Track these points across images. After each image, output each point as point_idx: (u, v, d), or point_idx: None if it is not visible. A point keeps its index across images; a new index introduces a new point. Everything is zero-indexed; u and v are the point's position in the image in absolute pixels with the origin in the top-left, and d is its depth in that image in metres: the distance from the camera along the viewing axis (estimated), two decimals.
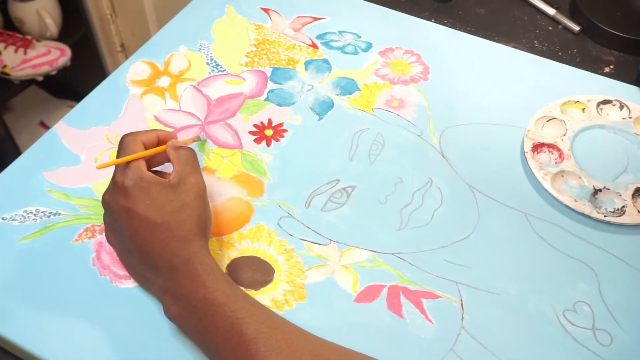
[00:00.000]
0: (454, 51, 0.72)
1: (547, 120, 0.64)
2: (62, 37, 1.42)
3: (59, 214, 0.54)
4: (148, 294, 0.49)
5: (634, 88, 0.68)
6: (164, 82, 0.67)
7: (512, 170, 0.60)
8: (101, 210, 0.51)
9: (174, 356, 0.46)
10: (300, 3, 0.77)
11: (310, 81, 0.67)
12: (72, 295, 0.49)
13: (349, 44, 0.72)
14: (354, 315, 0.49)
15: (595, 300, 0.50)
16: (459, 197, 0.57)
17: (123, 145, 0.48)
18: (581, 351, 0.47)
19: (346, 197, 0.57)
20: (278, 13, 0.76)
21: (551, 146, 0.61)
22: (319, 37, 0.73)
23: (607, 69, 0.73)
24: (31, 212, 0.54)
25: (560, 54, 0.75)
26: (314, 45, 0.72)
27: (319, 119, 0.64)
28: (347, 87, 0.67)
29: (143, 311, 0.48)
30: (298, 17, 0.75)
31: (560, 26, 0.79)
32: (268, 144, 0.61)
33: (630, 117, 0.64)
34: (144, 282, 0.48)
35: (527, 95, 0.67)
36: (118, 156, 0.48)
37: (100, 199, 0.50)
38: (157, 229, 0.45)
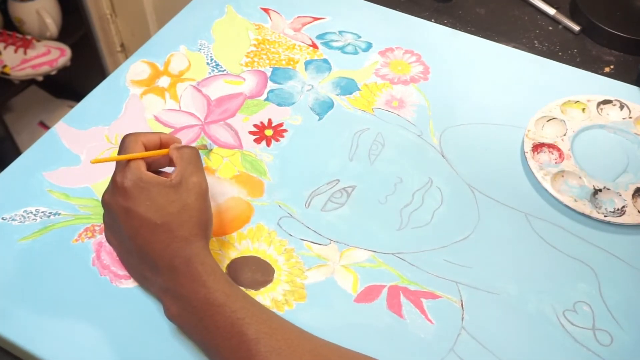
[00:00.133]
0: (454, 51, 0.72)
1: (547, 120, 0.64)
2: (62, 37, 1.42)
3: (59, 214, 0.54)
4: (148, 294, 0.49)
5: (634, 88, 0.68)
6: (164, 82, 0.67)
7: (512, 170, 0.60)
8: (101, 210, 0.51)
9: (174, 356, 0.46)
10: (300, 3, 0.77)
11: (310, 81, 0.67)
12: (72, 295, 0.49)
13: (349, 44, 0.72)
14: (354, 315, 0.49)
15: (596, 300, 0.50)
16: (459, 197, 0.57)
17: (124, 145, 0.48)
18: (581, 351, 0.47)
19: (346, 197, 0.57)
20: (278, 13, 0.76)
21: (551, 146, 0.61)
22: (319, 37, 0.73)
23: (607, 69, 0.73)
24: (31, 212, 0.54)
25: (560, 54, 0.75)
26: (314, 45, 0.72)
27: (319, 119, 0.64)
28: (347, 87, 0.67)
29: (143, 311, 0.48)
30: (298, 17, 0.75)
31: (560, 26, 0.79)
32: (268, 144, 0.61)
33: (630, 117, 0.64)
34: (144, 282, 0.48)
35: (527, 95, 0.67)
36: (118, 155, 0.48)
37: (100, 199, 0.50)
38: (158, 229, 0.44)
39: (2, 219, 0.54)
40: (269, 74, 0.68)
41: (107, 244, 0.51)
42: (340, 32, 0.74)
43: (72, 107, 0.68)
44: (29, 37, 1.36)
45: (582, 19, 0.77)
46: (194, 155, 0.49)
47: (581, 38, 0.77)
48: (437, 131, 0.63)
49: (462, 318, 0.49)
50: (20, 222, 0.54)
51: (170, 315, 0.44)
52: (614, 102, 0.65)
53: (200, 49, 0.70)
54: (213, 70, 0.68)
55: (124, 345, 0.46)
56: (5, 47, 1.33)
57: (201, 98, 0.65)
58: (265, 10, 0.76)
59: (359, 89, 0.67)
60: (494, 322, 0.49)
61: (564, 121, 0.63)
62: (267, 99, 0.65)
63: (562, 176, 0.59)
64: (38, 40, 1.37)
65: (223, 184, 0.57)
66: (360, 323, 0.48)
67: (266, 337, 0.41)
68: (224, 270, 0.51)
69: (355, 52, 0.71)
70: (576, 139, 0.63)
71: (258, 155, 0.60)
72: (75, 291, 0.49)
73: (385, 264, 0.52)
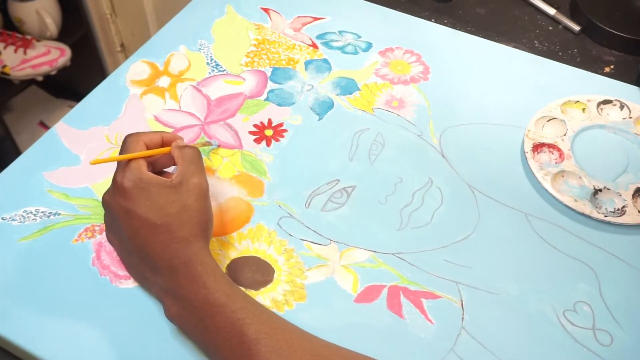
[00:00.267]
0: (454, 51, 0.72)
1: (548, 120, 0.64)
2: (62, 37, 1.42)
3: (59, 214, 0.54)
4: (148, 294, 0.49)
5: (634, 88, 0.68)
6: (163, 82, 0.67)
7: (512, 170, 0.60)
8: (101, 210, 0.51)
9: (174, 356, 0.46)
10: (300, 3, 0.77)
11: (310, 81, 0.67)
12: (72, 295, 0.49)
13: (349, 44, 0.72)
14: (354, 316, 0.49)
15: (596, 300, 0.50)
16: (459, 197, 0.57)
17: (125, 145, 0.48)
18: (581, 351, 0.47)
19: (346, 197, 0.57)
20: (278, 13, 0.76)
21: (551, 146, 0.61)
22: (319, 37, 0.73)
23: (607, 69, 0.73)
24: (31, 212, 0.54)
25: (560, 53, 0.75)
26: (314, 45, 0.72)
27: (319, 119, 0.64)
28: (347, 87, 0.67)
29: (143, 311, 0.48)
30: (298, 17, 0.75)
31: (560, 26, 0.79)
32: (268, 144, 0.61)
33: (630, 117, 0.64)
34: (144, 282, 0.48)
35: (527, 95, 0.67)
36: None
37: (100, 199, 0.50)
38: (158, 230, 0.44)
39: (2, 219, 0.54)
40: (269, 74, 0.68)
41: (107, 244, 0.51)
42: (340, 32, 0.74)
43: (72, 107, 0.68)
44: (28, 37, 1.36)
45: (582, 19, 0.77)
46: (196, 156, 0.49)
47: (581, 38, 0.77)
48: (437, 131, 0.63)
49: (462, 318, 0.49)
50: (20, 222, 0.53)
51: (171, 316, 0.44)
52: (614, 102, 0.65)
53: (200, 49, 0.70)
54: (213, 70, 0.68)
55: (124, 345, 0.46)
56: (5, 47, 1.33)
57: (201, 98, 0.65)
58: (265, 10, 0.76)
59: (359, 89, 0.67)
60: (494, 322, 0.49)
61: (564, 121, 0.63)
62: (267, 99, 0.65)
63: (562, 176, 0.59)
64: (38, 40, 1.37)
65: (223, 184, 0.57)
66: (360, 323, 0.48)
67: (266, 337, 0.41)
68: (224, 270, 0.51)
69: (355, 52, 0.71)
70: (576, 139, 0.63)
71: (258, 155, 0.60)
72: (75, 291, 0.49)
73: (385, 264, 0.52)
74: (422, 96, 0.66)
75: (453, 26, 0.77)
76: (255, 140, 0.61)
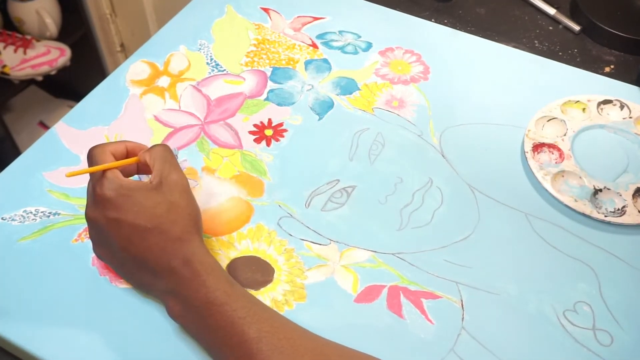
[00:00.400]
0: (454, 51, 0.72)
1: (548, 120, 0.64)
2: (61, 37, 1.42)
3: (59, 214, 0.54)
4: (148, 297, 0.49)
5: (634, 88, 0.68)
6: (163, 82, 0.67)
7: (513, 170, 0.60)
8: None
9: (174, 356, 0.46)
10: (300, 3, 0.77)
11: (310, 81, 0.67)
12: (71, 295, 0.49)
13: (349, 44, 0.72)
14: (354, 316, 0.49)
15: (596, 300, 0.50)
16: (459, 197, 0.57)
17: (93, 158, 0.47)
18: (581, 351, 0.47)
19: (346, 197, 0.57)
20: (278, 13, 0.76)
21: (551, 146, 0.61)
22: (319, 36, 0.73)
23: (607, 69, 0.73)
24: (31, 212, 0.54)
25: (560, 53, 0.75)
26: (314, 45, 0.72)
27: (319, 119, 0.64)
28: (347, 86, 0.67)
29: (143, 311, 0.48)
30: (298, 16, 0.75)
31: (560, 26, 0.79)
32: (268, 144, 0.61)
33: (630, 117, 0.64)
34: (144, 288, 0.48)
35: (527, 95, 0.67)
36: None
37: None
38: (150, 234, 0.44)
39: (2, 219, 0.54)
40: (269, 73, 0.68)
41: None
42: (340, 31, 0.74)
43: (71, 107, 0.68)
44: (28, 37, 1.36)
45: (582, 18, 0.77)
46: (167, 153, 0.48)
47: (581, 38, 0.77)
48: (437, 131, 0.63)
49: (462, 318, 0.49)
50: (20, 222, 0.53)
51: (174, 315, 0.44)
52: (614, 102, 0.65)
53: (200, 48, 0.70)
54: (213, 70, 0.68)
55: (124, 345, 0.46)
56: (5, 47, 1.33)
57: (201, 98, 0.65)
58: (265, 10, 0.76)
59: (359, 89, 0.67)
60: (494, 322, 0.49)
61: (564, 121, 0.63)
62: (267, 99, 0.65)
63: (563, 176, 0.59)
64: (38, 40, 1.37)
65: (223, 184, 0.57)
66: (360, 323, 0.48)
67: (268, 335, 0.41)
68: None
69: (355, 52, 0.71)
70: (576, 139, 0.62)
71: (258, 155, 0.60)
72: (75, 291, 0.49)
73: (385, 264, 0.52)
74: (422, 96, 0.66)
75: (453, 26, 0.77)
76: (255, 140, 0.61)
